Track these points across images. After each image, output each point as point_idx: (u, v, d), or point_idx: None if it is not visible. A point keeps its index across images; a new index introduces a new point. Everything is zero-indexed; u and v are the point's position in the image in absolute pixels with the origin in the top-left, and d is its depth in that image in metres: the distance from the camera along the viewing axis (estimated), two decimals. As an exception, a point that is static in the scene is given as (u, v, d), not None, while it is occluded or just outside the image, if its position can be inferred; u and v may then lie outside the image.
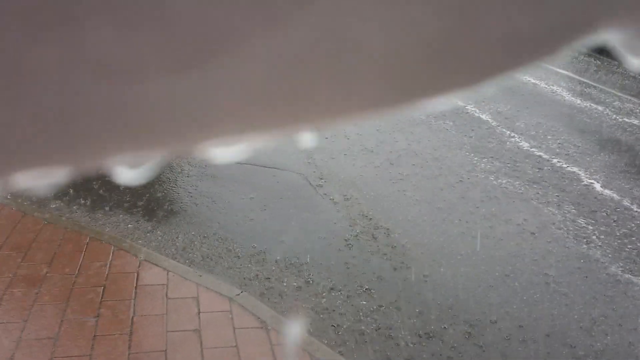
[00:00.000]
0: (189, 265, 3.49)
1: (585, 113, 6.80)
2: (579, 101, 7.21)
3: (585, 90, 7.75)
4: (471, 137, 5.86)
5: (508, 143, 5.73)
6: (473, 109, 6.58)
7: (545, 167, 5.21)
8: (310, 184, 4.69)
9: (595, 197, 4.71)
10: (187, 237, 3.86)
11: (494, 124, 6.21)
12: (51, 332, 2.73)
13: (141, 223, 4.03)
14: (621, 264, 3.80)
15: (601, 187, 4.88)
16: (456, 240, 3.94)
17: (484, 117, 6.41)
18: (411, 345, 2.93)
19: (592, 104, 7.11)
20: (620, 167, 5.35)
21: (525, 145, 5.69)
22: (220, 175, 4.85)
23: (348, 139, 5.67)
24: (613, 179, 5.06)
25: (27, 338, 2.69)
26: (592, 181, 4.98)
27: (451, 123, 6.17)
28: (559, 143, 5.81)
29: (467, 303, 3.29)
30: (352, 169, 5.00)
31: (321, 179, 4.77)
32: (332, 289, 3.34)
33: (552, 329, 3.14)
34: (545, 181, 4.94)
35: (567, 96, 7.35)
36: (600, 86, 7.96)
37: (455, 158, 5.30)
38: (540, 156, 5.43)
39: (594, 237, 4.11)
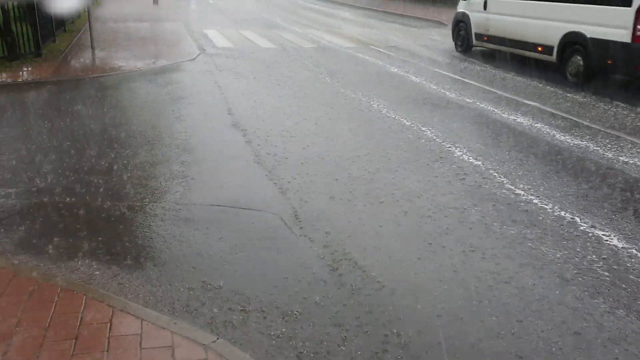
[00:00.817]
0: (164, 313, 3.43)
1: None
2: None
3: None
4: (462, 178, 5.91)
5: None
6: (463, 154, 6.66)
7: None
8: (286, 224, 4.67)
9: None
10: (161, 283, 3.80)
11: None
12: (20, 390, 2.64)
13: (114, 270, 3.95)
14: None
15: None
16: (434, 280, 3.94)
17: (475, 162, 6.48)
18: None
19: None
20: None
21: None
22: (194, 218, 4.81)
23: (324, 176, 5.69)
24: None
25: (-5, 397, 2.60)
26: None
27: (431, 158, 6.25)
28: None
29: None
30: (329, 207, 4.99)
31: (297, 218, 4.75)
32: (311, 334, 3.30)
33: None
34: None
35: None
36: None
37: (443, 199, 5.34)
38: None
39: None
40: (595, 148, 6.61)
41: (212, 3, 31.59)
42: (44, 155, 6.44)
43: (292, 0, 34.30)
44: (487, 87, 9.96)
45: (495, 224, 4.69)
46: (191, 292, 3.69)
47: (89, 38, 13.95)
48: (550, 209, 4.97)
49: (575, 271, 3.99)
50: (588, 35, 9.49)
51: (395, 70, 11.69)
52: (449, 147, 6.61)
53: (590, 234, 4.52)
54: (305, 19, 22.65)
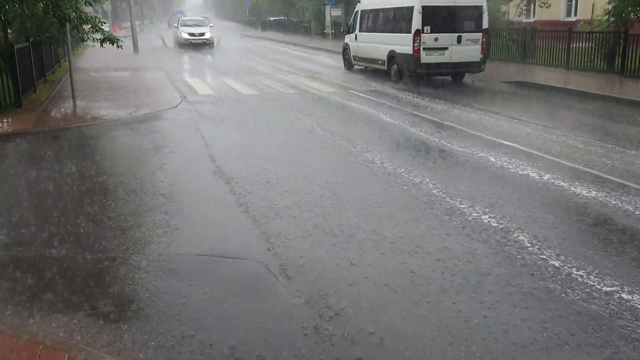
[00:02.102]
0: (149, 369, 3.36)
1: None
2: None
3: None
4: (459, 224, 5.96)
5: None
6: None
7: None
8: (271, 272, 4.65)
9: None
10: (146, 338, 3.74)
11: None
12: None
13: (98, 326, 3.89)
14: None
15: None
16: (429, 333, 3.93)
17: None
18: None
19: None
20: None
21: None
22: (178, 269, 4.77)
23: (310, 224, 5.69)
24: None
25: None
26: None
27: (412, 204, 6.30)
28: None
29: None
30: (313, 254, 4.99)
31: (282, 267, 4.74)
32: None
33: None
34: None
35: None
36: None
37: (425, 238, 5.36)
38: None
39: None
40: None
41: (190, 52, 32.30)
42: (25, 207, 6.38)
43: (271, 47, 34.90)
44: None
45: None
46: (175, 346, 3.64)
47: (70, 88, 13.99)
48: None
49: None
50: (397, 52, 16.33)
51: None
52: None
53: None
54: (286, 65, 22.98)
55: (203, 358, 3.51)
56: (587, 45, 17.66)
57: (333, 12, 39.65)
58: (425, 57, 15.39)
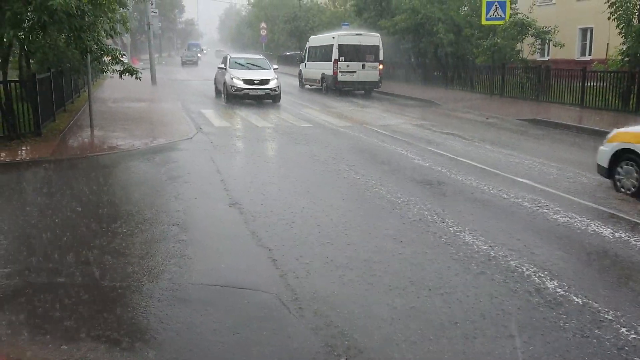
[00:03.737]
0: (160, 398, 3.35)
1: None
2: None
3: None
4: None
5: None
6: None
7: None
8: (284, 304, 4.64)
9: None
10: (157, 366, 3.74)
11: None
12: None
13: (111, 354, 3.89)
14: None
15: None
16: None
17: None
18: None
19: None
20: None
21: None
22: (191, 299, 4.78)
23: (323, 256, 5.69)
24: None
25: None
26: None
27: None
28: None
29: None
30: (326, 286, 4.97)
31: (295, 299, 4.73)
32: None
33: None
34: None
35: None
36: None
37: (433, 265, 5.34)
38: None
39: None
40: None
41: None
42: (40, 234, 6.44)
43: (286, 81, 35.30)
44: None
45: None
46: (188, 376, 3.63)
47: (88, 118, 14.24)
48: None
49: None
50: (325, 74, 25.25)
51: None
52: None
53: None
54: (300, 98, 23.24)
55: (214, 389, 3.49)
56: (601, 84, 17.73)
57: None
58: (341, 77, 24.40)
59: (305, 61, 28.60)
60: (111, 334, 4.16)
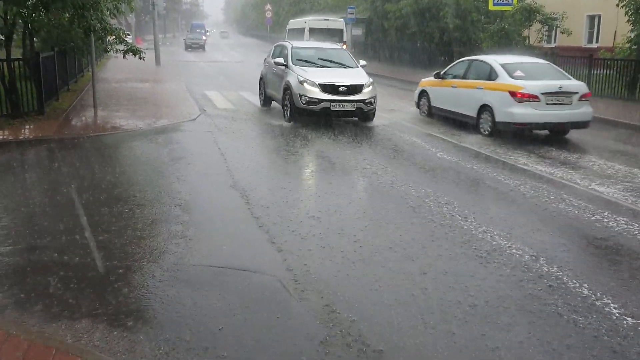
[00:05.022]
0: (160, 378, 3.36)
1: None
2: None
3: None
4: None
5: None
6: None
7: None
8: (285, 287, 4.65)
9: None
10: (158, 346, 3.74)
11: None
12: None
13: (111, 332, 3.90)
14: None
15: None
16: (435, 344, 3.89)
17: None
18: None
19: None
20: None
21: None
22: (192, 280, 4.79)
23: (324, 238, 5.69)
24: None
25: None
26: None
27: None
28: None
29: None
30: (329, 271, 4.98)
31: (296, 281, 4.73)
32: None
33: None
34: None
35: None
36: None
37: (436, 250, 5.34)
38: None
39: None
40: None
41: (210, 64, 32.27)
42: (43, 213, 6.45)
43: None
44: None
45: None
46: (188, 356, 3.64)
47: (92, 97, 14.20)
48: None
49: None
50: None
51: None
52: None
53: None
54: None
55: (214, 369, 3.50)
56: (608, 72, 17.60)
57: (353, 32, 39.95)
58: None
59: (286, 39, 34.15)
60: (112, 314, 4.17)
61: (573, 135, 11.78)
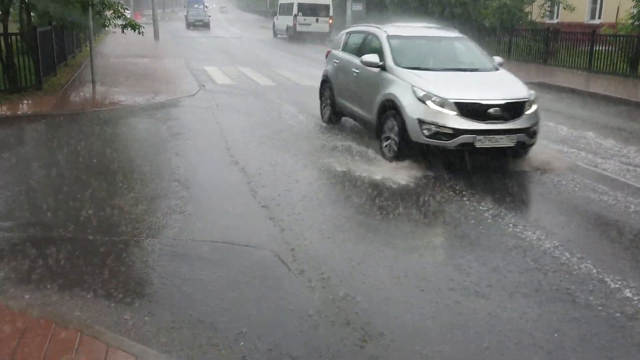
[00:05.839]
0: (160, 350, 3.39)
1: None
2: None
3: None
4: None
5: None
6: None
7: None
8: (282, 261, 4.66)
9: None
10: (156, 320, 3.77)
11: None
12: None
13: (109, 306, 3.92)
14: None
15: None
16: (431, 322, 3.92)
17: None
18: None
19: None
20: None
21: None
22: (191, 255, 4.80)
23: (323, 217, 5.70)
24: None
25: None
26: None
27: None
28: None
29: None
30: (326, 247, 4.99)
31: (293, 256, 4.75)
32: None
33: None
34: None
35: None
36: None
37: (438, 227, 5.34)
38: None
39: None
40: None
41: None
42: (41, 188, 6.45)
43: (291, 50, 34.85)
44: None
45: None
46: (186, 330, 3.66)
47: (90, 72, 14.11)
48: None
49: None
50: (289, 25, 34.34)
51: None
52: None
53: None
54: (303, 58, 22.98)
55: (211, 342, 3.53)
56: (610, 48, 17.46)
57: (354, 7, 39.59)
58: (299, 28, 32.96)
59: (277, 15, 37.46)
60: (111, 288, 4.18)
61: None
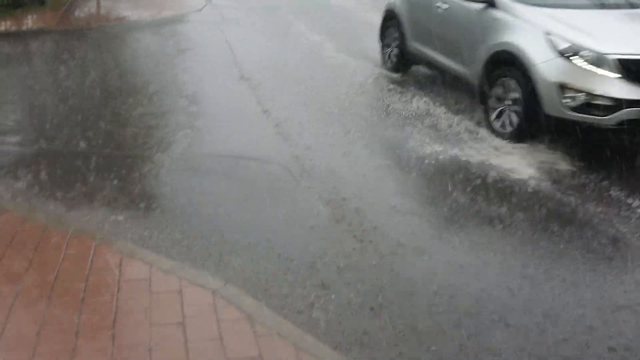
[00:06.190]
0: (171, 259, 3.47)
1: None
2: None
3: None
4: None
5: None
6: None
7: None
8: (292, 175, 4.69)
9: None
10: (167, 231, 3.84)
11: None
12: (33, 330, 2.71)
13: (122, 217, 3.99)
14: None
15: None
16: (441, 234, 3.97)
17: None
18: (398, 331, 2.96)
19: None
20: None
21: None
22: (201, 168, 4.83)
23: (332, 129, 5.68)
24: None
25: (8, 336, 2.67)
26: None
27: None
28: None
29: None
30: (337, 160, 4.99)
31: (303, 170, 4.77)
32: (317, 284, 3.35)
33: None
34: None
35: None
36: None
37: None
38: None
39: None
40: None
41: None
42: (50, 104, 6.43)
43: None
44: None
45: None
46: (198, 240, 3.73)
47: (94, -13, 13.72)
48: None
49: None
50: None
51: None
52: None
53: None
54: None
55: (223, 252, 3.60)
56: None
57: None
58: None
59: None
60: (122, 201, 4.24)
61: None
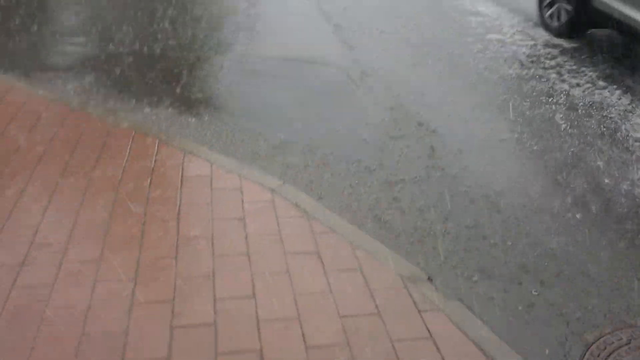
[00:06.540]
0: (232, 158, 3.53)
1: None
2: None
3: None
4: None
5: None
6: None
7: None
8: (351, 79, 4.62)
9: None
10: (228, 131, 3.89)
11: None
12: (102, 219, 2.85)
13: (183, 117, 4.06)
14: None
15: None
16: (500, 143, 3.88)
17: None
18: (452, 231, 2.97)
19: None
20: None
21: None
22: (260, 71, 4.81)
23: (394, 36, 5.51)
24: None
25: (81, 221, 2.83)
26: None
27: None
28: None
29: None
30: (397, 66, 4.88)
31: (363, 73, 4.68)
32: (376, 185, 3.36)
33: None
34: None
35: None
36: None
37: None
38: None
39: None
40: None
41: None
42: (111, 6, 6.44)
43: None
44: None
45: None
46: (258, 141, 3.77)
47: None
48: None
49: None
50: None
51: None
52: None
53: None
54: None
55: (281, 154, 3.64)
56: None
57: None
58: None
59: None
60: (184, 99, 4.30)
61: None
